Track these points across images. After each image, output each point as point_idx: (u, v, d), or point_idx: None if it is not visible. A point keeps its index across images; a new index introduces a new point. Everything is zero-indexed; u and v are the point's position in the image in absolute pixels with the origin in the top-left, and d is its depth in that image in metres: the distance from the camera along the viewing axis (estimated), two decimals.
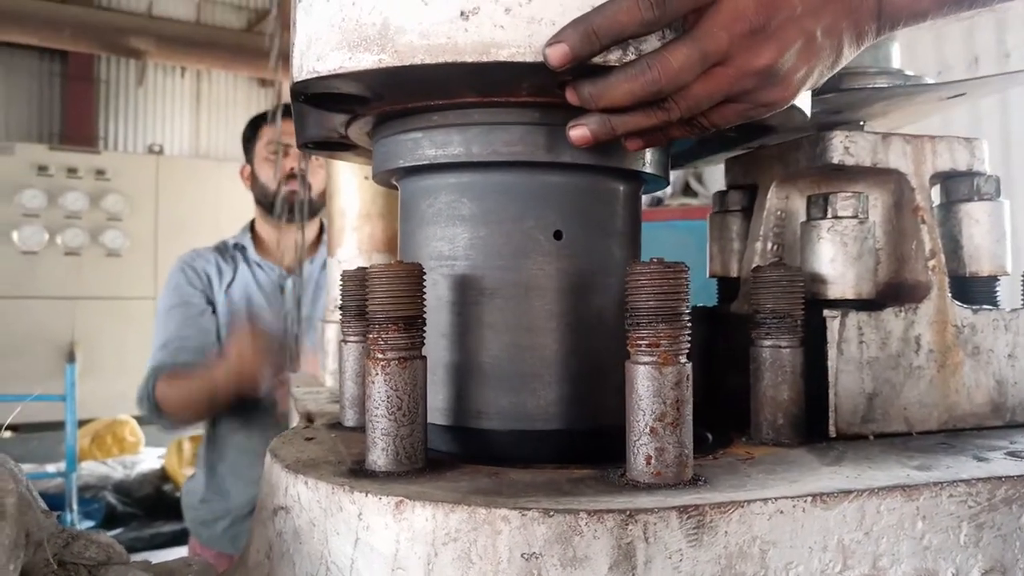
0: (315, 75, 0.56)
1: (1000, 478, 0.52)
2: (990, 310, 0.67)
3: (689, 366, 0.51)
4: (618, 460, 0.52)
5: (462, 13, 0.51)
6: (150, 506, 5.05)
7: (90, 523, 4.51)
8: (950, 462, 0.55)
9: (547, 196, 0.60)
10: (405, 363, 0.54)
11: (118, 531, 4.71)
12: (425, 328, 0.55)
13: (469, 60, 0.51)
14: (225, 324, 2.02)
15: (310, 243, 2.17)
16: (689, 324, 0.51)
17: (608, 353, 0.60)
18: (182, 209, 6.58)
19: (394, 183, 0.70)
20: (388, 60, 0.52)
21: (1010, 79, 0.83)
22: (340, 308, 0.73)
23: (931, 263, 0.66)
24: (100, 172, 6.42)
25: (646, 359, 0.50)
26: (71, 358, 3.46)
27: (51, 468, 4.74)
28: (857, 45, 0.55)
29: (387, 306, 0.54)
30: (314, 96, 0.60)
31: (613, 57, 0.51)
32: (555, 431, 0.60)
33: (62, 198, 6.29)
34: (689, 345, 0.51)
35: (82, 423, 4.93)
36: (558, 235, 0.60)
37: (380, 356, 0.54)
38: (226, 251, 2.14)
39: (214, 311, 2.03)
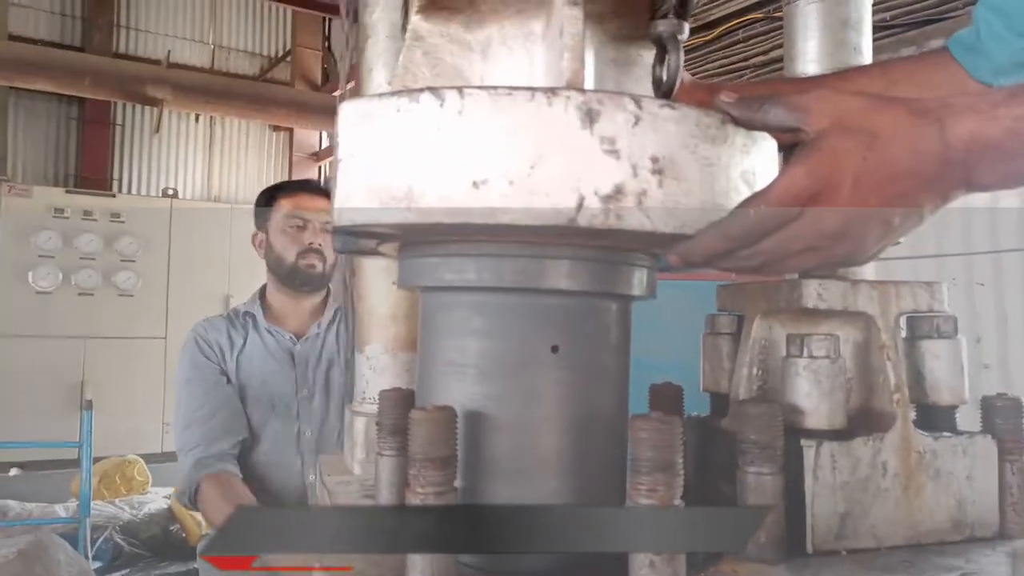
0: (352, 223, 0.68)
1: None
2: (950, 436, 0.77)
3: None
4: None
5: (474, 183, 0.61)
6: (156, 546, 5.08)
7: (97, 564, 4.55)
8: None
9: (547, 316, 0.71)
10: (441, 496, 0.63)
11: (125, 572, 4.75)
12: (457, 464, 0.65)
13: (479, 222, 0.61)
14: (239, 390, 2.12)
15: (316, 307, 2.31)
16: (682, 471, 0.60)
17: (599, 451, 0.70)
18: (194, 251, 6.72)
19: (415, 291, 0.81)
20: (413, 217, 0.63)
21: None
22: (377, 424, 0.82)
23: (896, 396, 0.76)
24: (115, 215, 6.57)
25: (646, 502, 0.59)
26: (89, 405, 3.54)
27: (60, 509, 4.80)
28: (942, 207, 0.63)
29: (426, 447, 0.64)
30: (351, 231, 0.72)
31: None
32: None
33: (77, 240, 6.44)
34: (683, 488, 0.60)
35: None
36: (555, 349, 0.70)
37: (420, 491, 0.63)
38: (236, 319, 2.25)
39: (228, 380, 2.13)
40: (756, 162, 0.67)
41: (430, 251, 0.73)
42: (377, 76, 1.13)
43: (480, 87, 0.61)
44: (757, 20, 3.60)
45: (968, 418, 0.82)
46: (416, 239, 0.74)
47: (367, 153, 0.67)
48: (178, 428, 2.12)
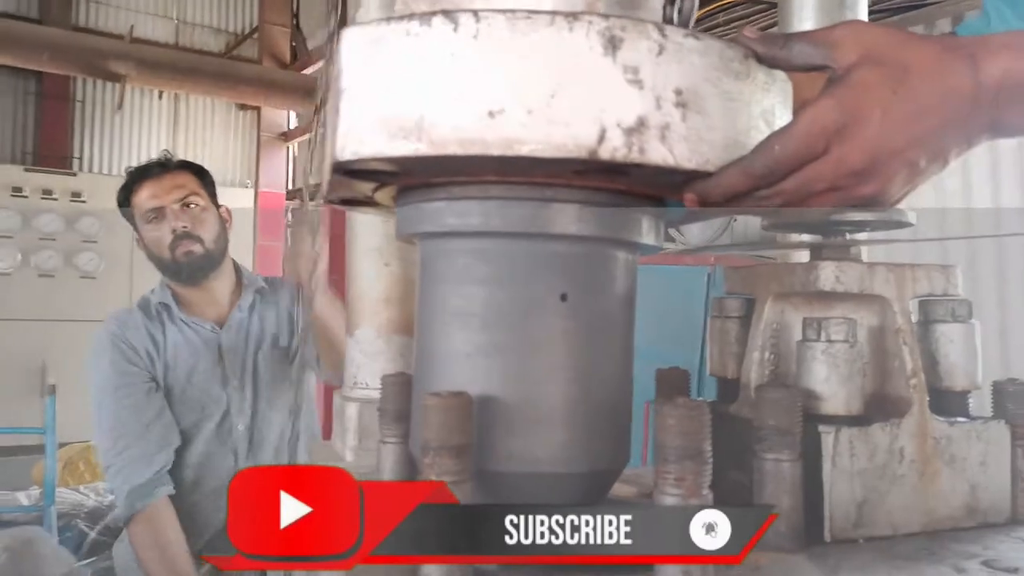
0: (356, 156, 0.62)
1: None
2: (964, 422, 0.76)
3: (711, 496, 0.58)
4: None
5: (490, 112, 0.57)
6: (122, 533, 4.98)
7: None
8: (933, 574, 0.63)
9: (555, 263, 0.68)
10: (457, 487, 0.60)
11: (91, 559, 4.64)
12: (471, 452, 0.62)
13: (495, 153, 0.58)
14: (167, 392, 1.96)
15: (229, 290, 2.13)
16: (711, 459, 0.58)
17: (607, 402, 0.69)
18: None
19: (413, 241, 0.77)
20: (424, 149, 0.59)
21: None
22: (379, 411, 0.79)
23: (912, 381, 0.75)
24: (76, 194, 6.38)
25: (674, 491, 0.57)
26: (52, 390, 3.43)
27: (23, 497, 4.66)
28: (965, 151, 0.61)
29: (441, 435, 0.61)
30: (350, 171, 0.67)
31: None
32: (558, 474, 0.67)
33: (36, 219, 6.25)
34: (711, 477, 0.58)
35: None
36: (564, 297, 0.67)
37: (434, 480, 0.60)
38: (150, 310, 2.05)
39: (158, 387, 1.96)
40: (775, 101, 0.65)
41: (432, 194, 0.69)
42: None
43: (497, 10, 0.57)
44: (738, 3, 3.59)
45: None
46: (420, 180, 0.70)
47: (374, 81, 0.61)
48: (106, 443, 1.90)
